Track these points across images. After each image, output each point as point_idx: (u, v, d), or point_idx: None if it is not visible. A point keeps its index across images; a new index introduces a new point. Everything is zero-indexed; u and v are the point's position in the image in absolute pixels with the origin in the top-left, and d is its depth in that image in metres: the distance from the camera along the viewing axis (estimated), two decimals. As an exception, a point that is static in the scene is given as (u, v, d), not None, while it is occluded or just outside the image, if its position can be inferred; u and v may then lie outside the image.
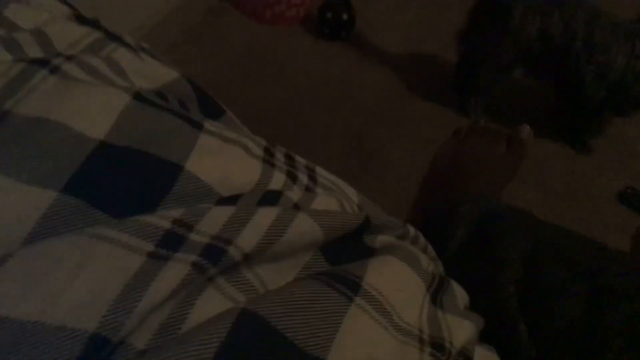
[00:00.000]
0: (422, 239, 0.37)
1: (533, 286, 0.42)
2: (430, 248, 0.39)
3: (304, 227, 0.26)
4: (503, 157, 0.76)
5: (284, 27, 1.75)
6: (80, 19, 0.38)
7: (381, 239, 0.33)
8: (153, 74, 0.33)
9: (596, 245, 0.47)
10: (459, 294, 0.37)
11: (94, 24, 0.38)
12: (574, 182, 1.49)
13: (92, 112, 0.26)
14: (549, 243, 0.47)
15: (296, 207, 0.28)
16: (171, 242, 0.22)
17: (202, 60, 1.62)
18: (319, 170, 0.36)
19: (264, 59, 1.67)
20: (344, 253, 0.29)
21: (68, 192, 0.23)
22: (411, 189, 1.41)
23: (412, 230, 0.36)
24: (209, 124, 0.30)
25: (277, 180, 0.30)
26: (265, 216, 0.25)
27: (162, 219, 0.23)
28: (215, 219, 0.24)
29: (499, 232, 0.50)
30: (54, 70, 0.27)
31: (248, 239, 0.24)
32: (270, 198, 0.28)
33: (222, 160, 0.28)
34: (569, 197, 1.45)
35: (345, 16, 1.67)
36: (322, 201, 0.30)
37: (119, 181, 0.24)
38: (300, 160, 0.35)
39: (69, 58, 0.29)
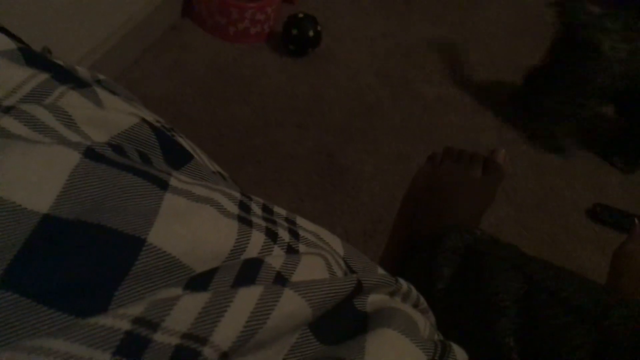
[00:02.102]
0: (413, 292, 0.34)
1: (533, 333, 0.40)
2: (422, 300, 0.36)
3: (291, 307, 0.22)
4: (480, 181, 0.75)
5: (249, 44, 1.72)
6: (26, 54, 0.33)
7: (373, 300, 0.29)
8: (108, 120, 0.29)
9: (589, 285, 0.45)
10: (460, 358, 0.33)
11: (42, 60, 0.33)
12: (545, 196, 1.49)
13: (34, 178, 0.21)
14: (542, 283, 0.45)
15: (279, 277, 0.24)
16: (133, 348, 0.18)
17: (164, 79, 1.57)
18: (300, 221, 0.32)
19: (228, 76, 1.63)
20: (335, 327, 0.26)
21: (4, 286, 0.18)
22: (384, 206, 1.40)
23: (404, 284, 0.33)
24: (175, 180, 0.26)
25: (256, 242, 0.26)
26: (246, 300, 0.21)
27: (120, 320, 0.19)
28: (185, 311, 0.20)
29: (488, 271, 0.48)
30: None
31: (226, 333, 0.20)
32: (250, 271, 0.24)
33: (193, 225, 0.24)
34: (541, 211, 1.45)
35: (311, 32, 1.64)
36: (307, 265, 0.27)
37: (67, 265, 0.20)
38: (279, 211, 0.32)
39: (7, 110, 0.24)
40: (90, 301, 0.19)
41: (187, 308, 0.20)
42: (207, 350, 0.19)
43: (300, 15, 1.66)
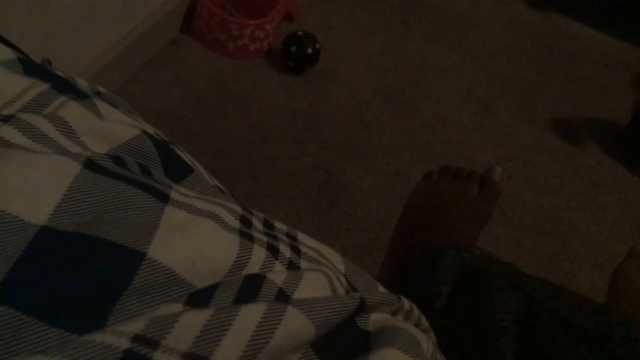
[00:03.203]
0: (415, 311, 0.34)
1: (534, 353, 0.39)
2: (423, 319, 0.35)
3: (294, 326, 0.22)
4: (477, 199, 0.74)
5: (248, 60, 1.72)
6: (25, 64, 0.33)
7: (375, 318, 0.29)
8: (109, 132, 0.28)
9: (590, 305, 0.45)
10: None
11: (42, 70, 0.33)
12: (543, 216, 1.49)
13: (33, 189, 0.21)
14: (542, 302, 0.44)
15: (281, 293, 0.24)
16: None
17: (162, 94, 1.57)
18: (301, 237, 0.32)
19: (227, 92, 1.63)
20: (337, 346, 0.25)
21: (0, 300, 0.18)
22: (381, 224, 1.39)
23: (406, 303, 0.32)
24: (175, 193, 0.26)
25: (257, 257, 0.26)
26: (249, 318, 0.21)
27: (118, 337, 0.18)
28: (186, 329, 0.19)
29: (487, 290, 0.47)
30: None
31: (228, 352, 0.19)
32: (252, 287, 0.23)
33: (193, 239, 0.23)
34: (538, 231, 1.45)
35: (310, 50, 1.65)
36: (309, 281, 0.26)
37: (65, 279, 0.19)
38: (280, 227, 0.31)
39: (6, 119, 0.24)
40: (88, 316, 0.19)
41: (188, 325, 0.19)
42: None
43: (300, 32, 1.67)
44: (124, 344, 0.18)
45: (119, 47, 1.49)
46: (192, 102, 1.57)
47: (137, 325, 0.18)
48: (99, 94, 0.42)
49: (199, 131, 1.51)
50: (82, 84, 0.40)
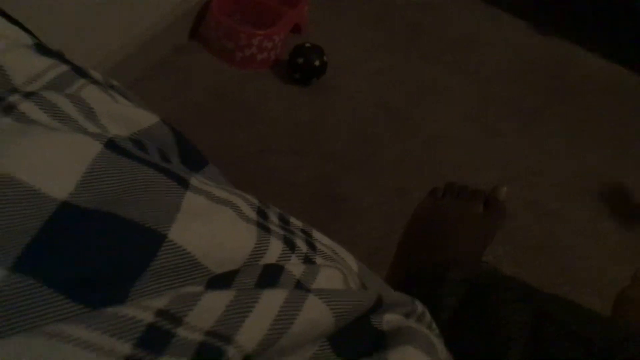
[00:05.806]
0: (427, 316, 0.33)
1: (544, 367, 0.38)
2: (434, 325, 0.34)
3: (315, 314, 0.21)
4: (482, 217, 0.74)
5: (254, 70, 1.73)
6: (43, 49, 0.33)
7: (388, 319, 0.28)
8: (129, 116, 0.28)
9: (600, 319, 0.44)
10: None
11: (59, 56, 0.33)
12: (544, 239, 1.49)
13: (55, 165, 0.20)
14: (551, 315, 0.44)
15: (299, 285, 0.23)
16: (155, 340, 0.17)
17: (166, 99, 1.57)
18: (316, 234, 0.31)
19: (230, 101, 1.63)
20: (354, 343, 0.24)
21: (20, 270, 0.17)
22: (381, 239, 1.38)
23: (419, 306, 0.32)
24: (195, 180, 0.25)
25: (274, 249, 0.26)
26: (271, 302, 0.20)
27: (143, 310, 0.17)
28: (209, 308, 0.19)
29: (495, 302, 0.47)
30: (9, 109, 0.22)
31: (251, 333, 0.19)
32: (271, 275, 0.23)
33: (213, 225, 0.23)
34: (539, 254, 1.44)
35: (317, 62, 1.65)
36: (326, 276, 0.26)
37: (84, 255, 0.19)
38: (295, 222, 0.31)
39: (28, 95, 0.24)
40: (106, 294, 0.18)
41: (211, 305, 0.19)
42: (231, 350, 0.18)
43: (308, 44, 1.68)
44: (149, 317, 0.17)
45: (125, 50, 1.50)
46: (195, 109, 1.57)
47: (160, 301, 0.18)
48: (112, 87, 0.42)
49: (200, 139, 1.50)
50: (96, 75, 0.40)
